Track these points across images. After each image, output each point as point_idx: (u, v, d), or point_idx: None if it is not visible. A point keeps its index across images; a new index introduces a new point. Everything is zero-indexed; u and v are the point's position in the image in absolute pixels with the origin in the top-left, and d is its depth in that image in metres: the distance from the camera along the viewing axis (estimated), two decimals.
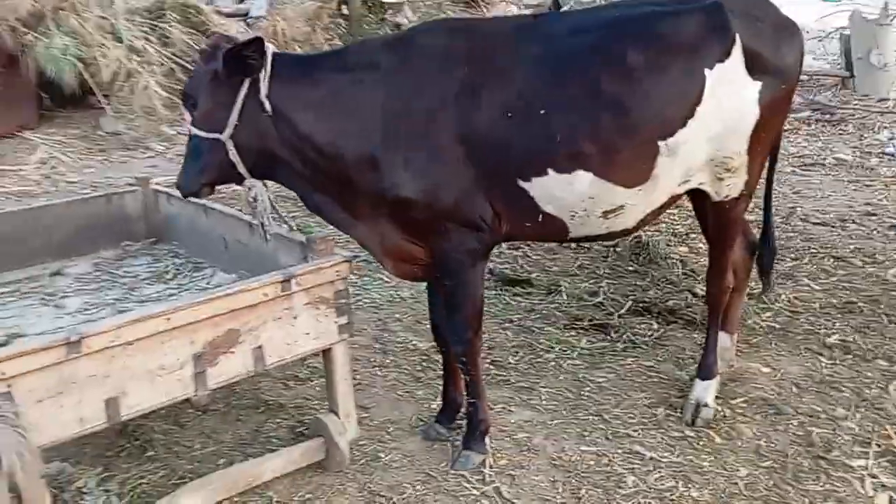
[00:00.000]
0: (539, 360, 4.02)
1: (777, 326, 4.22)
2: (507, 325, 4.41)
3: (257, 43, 2.76)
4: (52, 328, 3.10)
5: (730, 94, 2.86)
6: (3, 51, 7.92)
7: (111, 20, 8.56)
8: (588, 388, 3.74)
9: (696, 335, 4.11)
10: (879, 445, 3.27)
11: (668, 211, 5.47)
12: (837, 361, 3.89)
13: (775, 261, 4.82)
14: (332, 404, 3.20)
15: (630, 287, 4.76)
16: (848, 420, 3.43)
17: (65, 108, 8.80)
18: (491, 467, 3.18)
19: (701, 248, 5.01)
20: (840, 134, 7.62)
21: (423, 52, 2.88)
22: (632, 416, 3.52)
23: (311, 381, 3.85)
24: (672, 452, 3.27)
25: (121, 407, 2.59)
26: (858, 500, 3.01)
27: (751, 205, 3.42)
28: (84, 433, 2.56)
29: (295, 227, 3.32)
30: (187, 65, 8.13)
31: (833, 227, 5.54)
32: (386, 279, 4.83)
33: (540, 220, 2.91)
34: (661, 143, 2.80)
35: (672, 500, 3.01)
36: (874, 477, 3.11)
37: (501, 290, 4.81)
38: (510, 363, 4.00)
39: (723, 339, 3.61)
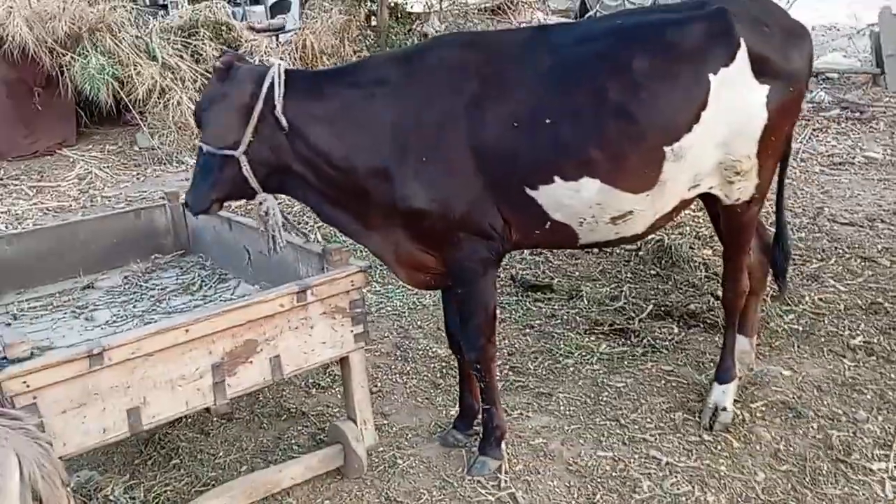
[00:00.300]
0: (558, 365, 4.04)
1: (800, 329, 4.18)
2: (527, 330, 4.44)
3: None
4: (81, 340, 3.22)
5: (736, 99, 2.87)
6: (42, 71, 8.23)
7: (146, 39, 8.81)
8: (606, 393, 3.76)
9: (717, 339, 4.09)
10: None
11: (692, 214, 5.52)
12: (860, 363, 3.84)
13: (800, 262, 4.85)
14: (349, 411, 3.27)
15: (652, 291, 4.75)
16: (869, 422, 3.40)
17: (102, 125, 9.09)
18: (507, 473, 3.22)
19: None
20: (870, 132, 7.49)
21: (432, 65, 2.94)
22: (649, 420, 3.52)
23: (333, 388, 3.92)
24: (689, 457, 3.27)
25: (142, 416, 2.68)
26: (878, 503, 2.98)
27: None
28: (107, 442, 2.66)
29: (311, 238, 3.38)
30: None
31: (861, 226, 5.46)
32: (408, 287, 4.89)
33: (549, 227, 2.95)
34: (666, 149, 2.82)
35: None
36: (894, 480, 3.08)
37: (523, 296, 4.84)
38: (529, 369, 4.03)
39: (741, 342, 3.60)
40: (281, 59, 9.59)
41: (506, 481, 3.17)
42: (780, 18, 3.04)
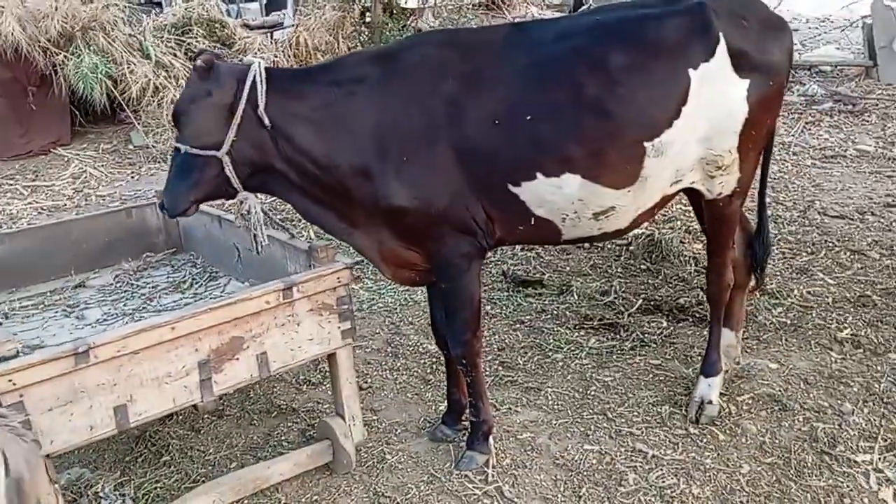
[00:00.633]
0: (547, 360, 4.07)
1: (788, 322, 4.20)
2: (517, 326, 4.46)
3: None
4: (71, 339, 3.24)
5: (717, 94, 2.89)
6: (35, 71, 8.24)
7: (139, 37, 8.82)
8: (594, 388, 3.78)
9: (705, 333, 4.07)
10: (886, 440, 3.26)
11: (682, 208, 5.54)
12: (847, 356, 3.87)
13: (790, 255, 4.88)
14: (337, 407, 3.29)
15: (642, 285, 4.77)
16: (855, 415, 3.42)
17: (96, 124, 9.10)
18: (494, 467, 3.24)
19: None
20: (863, 125, 7.50)
21: (412, 63, 2.94)
22: (636, 414, 3.55)
23: (324, 385, 3.95)
24: (675, 450, 3.29)
25: (129, 414, 2.70)
26: (862, 494, 3.01)
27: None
28: (94, 440, 2.68)
29: (294, 234, 3.40)
30: None
31: (851, 219, 5.48)
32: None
33: (532, 223, 2.97)
34: (647, 145, 2.84)
35: (673, 497, 3.04)
36: (879, 471, 3.11)
37: (514, 291, 4.86)
38: (519, 364, 4.06)
39: (727, 336, 3.63)
40: (274, 56, 9.62)
41: (493, 475, 3.20)
42: (758, 12, 3.06)
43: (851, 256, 4.91)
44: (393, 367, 4.12)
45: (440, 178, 2.88)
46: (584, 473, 3.19)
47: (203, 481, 3.19)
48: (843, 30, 10.13)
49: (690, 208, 5.48)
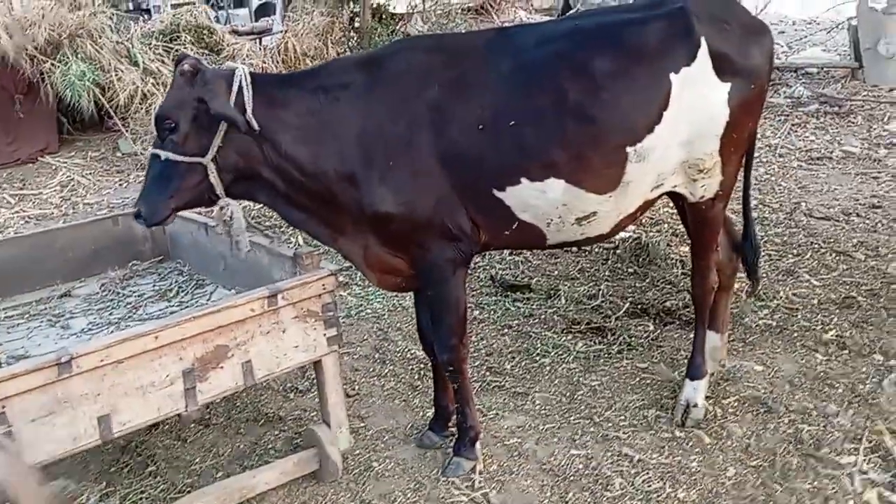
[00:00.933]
0: (535, 364, 4.07)
1: (774, 324, 4.22)
2: (505, 330, 4.46)
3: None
4: (56, 349, 3.23)
5: (698, 97, 2.91)
6: (22, 78, 8.19)
7: (127, 45, 8.79)
8: (581, 392, 3.79)
9: (692, 335, 4.11)
10: (870, 441, 3.27)
11: (669, 211, 5.55)
12: (833, 357, 3.89)
13: (776, 257, 4.90)
14: (324, 415, 3.29)
15: (629, 289, 4.79)
16: (839, 416, 3.44)
17: (84, 131, 9.05)
18: (481, 473, 3.25)
19: None
20: (848, 126, 7.53)
21: (396, 69, 2.95)
22: (623, 418, 3.56)
23: (311, 392, 3.93)
24: (661, 454, 3.30)
25: (113, 424, 2.69)
26: (846, 496, 3.02)
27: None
28: (78, 451, 2.67)
29: (274, 239, 3.39)
30: None
31: (837, 221, 5.51)
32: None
33: (516, 227, 2.98)
34: (629, 149, 2.85)
35: (659, 501, 3.05)
36: (864, 473, 3.12)
37: (502, 296, 4.87)
38: (506, 369, 4.06)
39: (712, 338, 3.64)
40: (263, 62, 9.61)
41: (479, 482, 3.20)
42: (739, 16, 3.09)
43: (837, 258, 4.93)
44: (380, 374, 4.12)
45: (425, 184, 2.89)
46: (571, 478, 3.20)
47: (189, 491, 3.18)
48: (828, 32, 10.19)
49: (677, 212, 5.54)
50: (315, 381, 3.93)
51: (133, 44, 8.82)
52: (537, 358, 4.13)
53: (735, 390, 3.66)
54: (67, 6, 8.79)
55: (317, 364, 3.22)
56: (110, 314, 3.63)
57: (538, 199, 2.91)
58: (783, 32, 12.26)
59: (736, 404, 3.57)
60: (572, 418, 3.59)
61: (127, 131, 8.45)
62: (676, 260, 4.99)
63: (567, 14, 13.44)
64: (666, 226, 5.52)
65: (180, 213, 3.88)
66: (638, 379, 3.86)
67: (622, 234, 5.05)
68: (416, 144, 2.89)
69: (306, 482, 3.25)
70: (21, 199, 7.47)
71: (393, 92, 2.93)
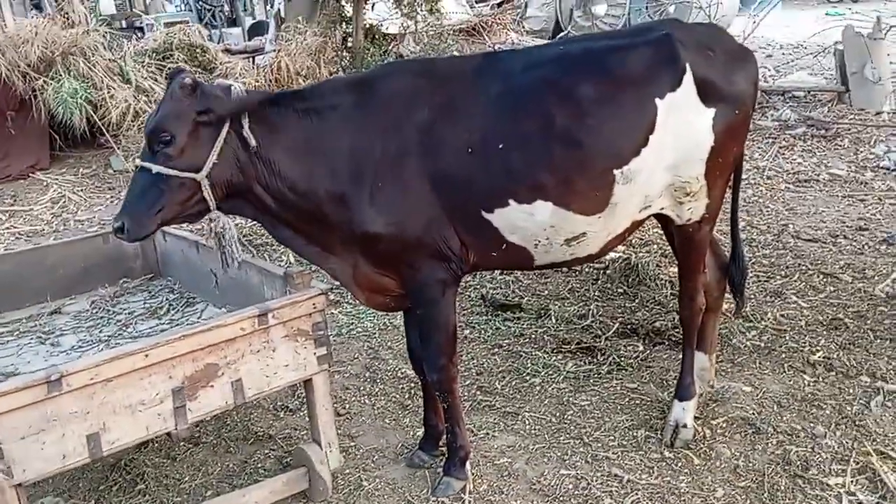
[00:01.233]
0: (525, 384, 4.08)
1: (762, 345, 4.25)
2: (496, 350, 4.48)
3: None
4: (46, 366, 3.22)
5: (683, 122, 2.95)
6: (15, 95, 8.22)
7: (119, 62, 8.82)
8: (571, 412, 3.80)
9: (681, 356, 4.14)
10: (858, 462, 3.29)
11: (658, 232, 5.59)
12: (820, 379, 3.91)
13: (764, 279, 4.93)
14: (314, 434, 3.29)
15: (619, 309, 4.81)
16: (827, 438, 3.45)
17: (76, 148, 9.06)
18: (471, 493, 3.25)
19: None
20: (835, 149, 7.62)
21: (387, 92, 2.98)
22: (612, 438, 3.57)
23: (301, 411, 3.93)
24: (650, 474, 3.31)
25: (102, 442, 2.69)
26: None
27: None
28: (67, 469, 2.66)
29: (255, 254, 3.40)
30: None
31: (824, 243, 5.56)
32: None
33: (505, 249, 3.00)
34: (616, 172, 2.89)
35: None
36: (851, 494, 3.13)
37: (492, 315, 4.88)
38: (497, 388, 4.07)
39: (700, 359, 3.67)
40: (255, 81, 9.65)
41: (469, 501, 3.20)
42: (724, 43, 3.14)
43: (824, 280, 4.97)
44: (371, 393, 4.12)
45: (415, 205, 2.91)
46: (561, 499, 3.20)
47: None
48: (815, 56, 10.33)
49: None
50: (305, 399, 3.94)
51: (126, 61, 8.86)
52: (527, 377, 4.14)
53: (724, 411, 3.68)
54: (60, 24, 8.84)
55: (307, 383, 3.22)
56: (100, 331, 3.63)
57: (526, 221, 2.94)
58: (770, 56, 12.42)
59: (724, 425, 3.59)
60: (562, 438, 3.60)
61: (119, 148, 8.47)
62: (666, 280, 5.02)
63: (557, 37, 13.59)
64: (655, 246, 5.56)
65: (171, 231, 3.93)
66: (627, 399, 3.87)
67: (612, 255, 5.09)
68: (406, 166, 2.92)
69: (296, 501, 3.25)
70: (12, 215, 7.46)
71: (383, 114, 2.95)
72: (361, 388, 4.18)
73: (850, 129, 7.99)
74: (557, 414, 3.79)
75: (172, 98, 2.83)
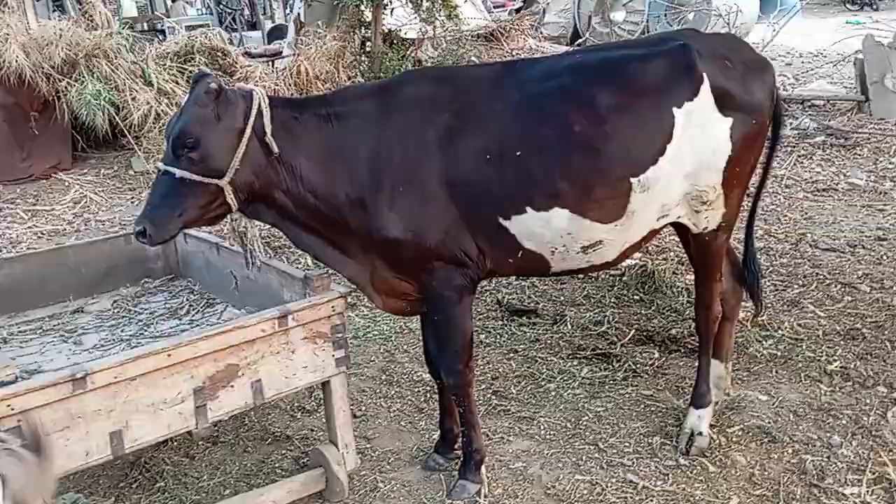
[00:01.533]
0: (540, 389, 4.10)
1: (778, 354, 4.24)
2: (511, 355, 4.50)
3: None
4: (68, 364, 3.28)
5: (701, 132, 2.97)
6: (38, 96, 8.33)
7: (142, 65, 8.93)
8: (586, 418, 3.81)
9: (696, 363, 4.14)
10: (874, 473, 3.28)
11: (675, 239, 5.59)
12: (837, 388, 3.90)
13: (781, 288, 4.93)
14: (331, 435, 3.32)
15: (635, 316, 4.82)
16: (843, 447, 3.45)
17: (97, 149, 9.17)
18: (485, 497, 3.26)
19: None
20: (854, 158, 7.59)
21: (406, 99, 3.02)
22: (627, 445, 3.58)
23: (318, 412, 3.97)
24: (665, 481, 3.32)
25: (125, 440, 2.73)
26: None
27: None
28: (89, 465, 2.71)
29: (272, 255, 3.42)
30: None
31: (842, 252, 5.54)
32: None
33: (521, 255, 3.03)
34: (633, 181, 2.91)
35: None
36: None
37: (508, 320, 4.91)
38: (512, 393, 4.09)
39: (716, 367, 3.67)
40: (275, 85, 9.73)
41: None
42: (742, 53, 3.16)
43: (842, 289, 4.96)
44: (387, 395, 4.16)
45: (433, 211, 2.95)
46: None
47: None
48: (835, 65, 10.32)
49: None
50: (322, 400, 3.98)
51: (148, 64, 8.96)
52: (543, 383, 4.16)
53: (739, 419, 3.68)
54: (84, 26, 8.97)
55: (325, 384, 3.25)
56: (122, 331, 3.68)
57: (543, 227, 2.96)
58: (790, 65, 12.37)
59: (740, 433, 3.59)
60: (577, 444, 3.61)
61: (140, 150, 8.56)
62: (682, 288, 5.02)
63: (575, 43, 13.61)
64: (672, 254, 5.56)
65: (192, 233, 3.98)
66: (643, 406, 3.88)
67: (628, 262, 5.09)
68: (425, 172, 2.95)
69: (312, 501, 3.28)
70: (34, 214, 7.56)
71: (404, 120, 2.99)
72: (378, 390, 4.21)
73: (869, 139, 7.95)
74: (572, 419, 3.81)
75: (198, 102, 2.83)
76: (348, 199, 2.96)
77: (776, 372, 4.09)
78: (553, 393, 4.06)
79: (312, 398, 4.07)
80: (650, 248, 5.57)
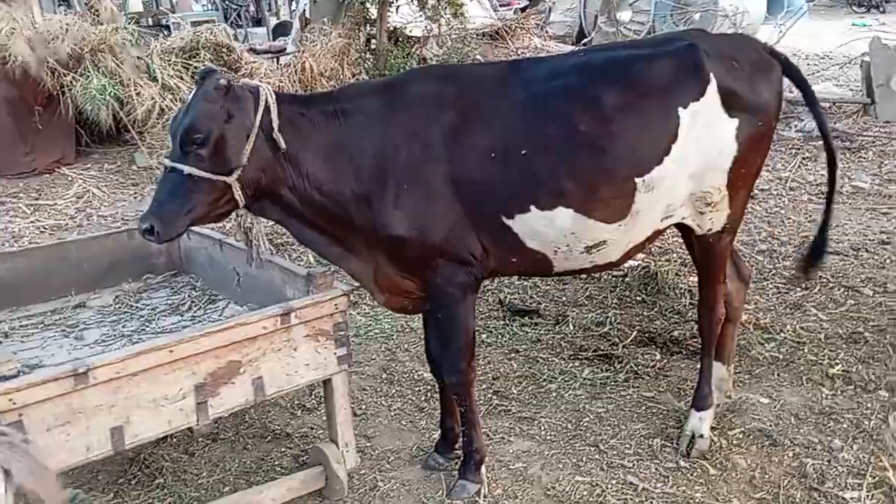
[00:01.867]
0: (541, 390, 4.10)
1: (780, 357, 4.23)
2: (513, 355, 4.49)
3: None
4: (70, 359, 3.28)
5: (707, 132, 2.97)
6: (42, 90, 8.32)
7: (146, 60, 8.94)
8: (587, 419, 3.81)
9: (698, 365, 4.14)
10: (874, 477, 3.27)
11: (678, 241, 5.58)
12: (838, 392, 3.90)
13: (784, 291, 4.92)
14: (331, 433, 3.32)
15: (637, 317, 4.81)
16: (844, 451, 3.44)
17: (101, 144, 9.17)
18: (485, 497, 3.26)
19: None
20: (859, 161, 7.57)
21: (414, 96, 3.02)
22: (628, 446, 3.57)
23: (319, 410, 3.97)
24: (665, 483, 3.31)
25: (125, 435, 2.73)
26: None
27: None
28: (90, 460, 2.71)
29: (275, 252, 3.42)
30: None
31: (846, 256, 5.52)
32: None
33: (524, 254, 3.03)
34: (638, 181, 2.91)
35: None
36: None
37: (510, 320, 4.90)
38: (513, 393, 4.08)
39: (718, 369, 3.66)
40: (280, 81, 9.73)
41: None
42: (749, 53, 3.15)
43: (845, 293, 4.94)
44: (388, 394, 4.16)
45: (437, 209, 2.94)
46: None
47: None
48: (841, 67, 10.29)
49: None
50: (322, 398, 3.98)
51: (153, 60, 8.97)
52: (544, 383, 4.15)
53: (740, 422, 3.68)
54: (90, 21, 8.97)
55: (326, 382, 3.25)
56: (123, 326, 3.68)
57: (547, 227, 2.96)
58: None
59: (741, 436, 3.58)
60: (577, 445, 3.61)
61: (143, 145, 8.56)
62: (685, 289, 5.01)
63: (581, 42, 13.59)
64: (675, 255, 5.55)
65: (195, 229, 3.95)
66: (644, 408, 3.87)
67: (631, 263, 5.08)
68: (430, 170, 2.95)
69: (312, 499, 3.28)
70: (36, 209, 7.56)
71: (409, 118, 2.99)
72: (378, 389, 4.21)
73: (874, 142, 7.93)
74: (573, 420, 3.80)
75: (206, 99, 2.80)
76: (353, 196, 2.95)
77: (778, 375, 4.08)
78: (554, 393, 4.05)
79: (312, 396, 4.07)
80: (653, 250, 5.56)
